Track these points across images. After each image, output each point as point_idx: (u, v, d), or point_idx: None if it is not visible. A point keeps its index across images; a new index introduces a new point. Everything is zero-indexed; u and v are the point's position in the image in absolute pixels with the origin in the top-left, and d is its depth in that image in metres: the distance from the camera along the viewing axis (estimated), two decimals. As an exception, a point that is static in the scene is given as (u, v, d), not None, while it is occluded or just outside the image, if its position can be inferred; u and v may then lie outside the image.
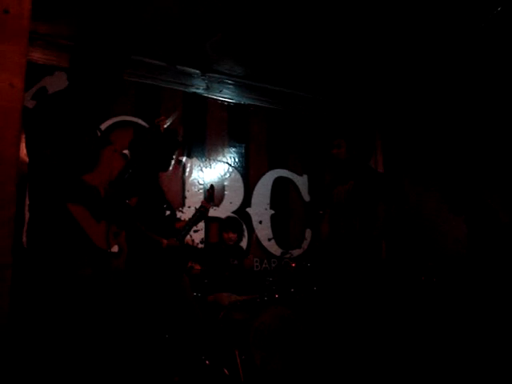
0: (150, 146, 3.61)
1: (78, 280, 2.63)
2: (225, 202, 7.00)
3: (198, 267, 5.58)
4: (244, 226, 6.83)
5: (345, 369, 4.31)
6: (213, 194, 5.17)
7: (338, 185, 4.90)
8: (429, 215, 7.15)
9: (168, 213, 4.84)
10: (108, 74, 2.87)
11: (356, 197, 4.70)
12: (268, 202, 7.39)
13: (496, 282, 5.41)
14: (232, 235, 5.93)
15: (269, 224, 7.32)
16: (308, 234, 7.50)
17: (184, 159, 6.75)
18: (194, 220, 5.06)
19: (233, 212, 7.00)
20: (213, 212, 6.81)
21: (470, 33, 5.52)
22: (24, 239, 4.97)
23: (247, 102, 7.38)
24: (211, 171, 6.98)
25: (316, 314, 4.61)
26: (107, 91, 2.92)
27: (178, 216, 6.27)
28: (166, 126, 4.48)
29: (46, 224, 2.64)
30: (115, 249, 5.72)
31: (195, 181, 6.80)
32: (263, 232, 7.26)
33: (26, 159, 2.39)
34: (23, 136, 2.72)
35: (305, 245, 7.44)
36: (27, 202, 3.10)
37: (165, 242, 4.45)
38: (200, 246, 6.60)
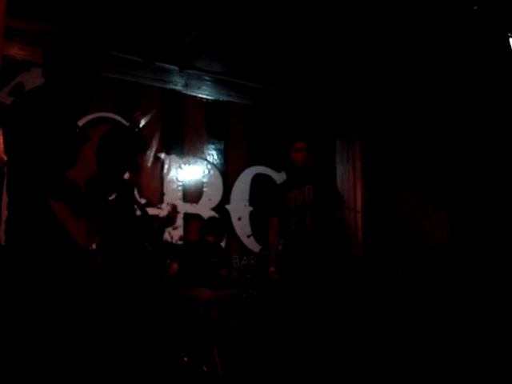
0: (120, 144, 3.58)
1: (56, 277, 2.60)
2: (204, 199, 6.98)
3: (175, 266, 5.56)
4: (225, 227, 6.84)
5: (323, 363, 4.34)
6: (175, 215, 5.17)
7: (292, 189, 4.92)
8: (411, 213, 7.20)
9: (139, 213, 4.82)
10: (82, 69, 2.84)
11: (317, 200, 4.77)
12: (247, 198, 7.39)
13: (478, 279, 5.47)
14: (211, 238, 5.95)
15: (248, 221, 7.32)
16: (287, 230, 7.51)
17: (162, 156, 6.73)
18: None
19: (212, 209, 6.99)
20: (192, 209, 6.81)
21: (444, 31, 5.57)
22: (1, 237, 4.98)
23: (226, 98, 7.37)
24: (190, 168, 6.96)
25: (294, 310, 4.62)
26: (82, 87, 2.89)
27: (157, 213, 6.25)
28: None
29: (25, 221, 2.61)
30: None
31: (173, 178, 6.78)
32: (242, 229, 7.26)
33: (4, 157, 2.36)
34: (1, 132, 2.68)
35: (284, 241, 7.45)
36: (5, 200, 3.08)
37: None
38: (179, 243, 6.59)
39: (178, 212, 5.13)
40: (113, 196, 4.23)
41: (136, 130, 3.51)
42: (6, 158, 2.13)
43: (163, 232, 5.27)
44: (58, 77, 2.82)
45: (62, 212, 2.62)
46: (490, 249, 5.72)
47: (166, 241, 6.43)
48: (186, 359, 4.44)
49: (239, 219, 7.26)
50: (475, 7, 5.21)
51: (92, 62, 2.90)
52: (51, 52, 2.84)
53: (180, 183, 6.83)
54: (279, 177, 7.66)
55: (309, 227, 4.72)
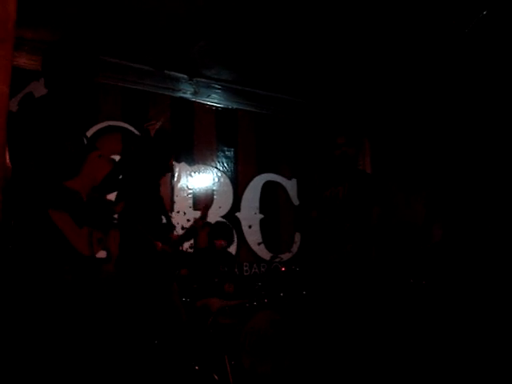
0: (141, 151, 3.58)
1: (60, 287, 2.60)
2: (214, 207, 6.97)
3: (184, 272, 5.55)
4: (234, 231, 6.84)
5: (335, 372, 4.31)
6: (206, 214, 5.14)
7: (330, 186, 4.79)
8: (416, 217, 7.17)
9: (164, 221, 4.82)
10: (78, 77, 2.85)
11: (351, 199, 4.62)
12: (257, 206, 7.38)
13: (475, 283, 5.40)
14: (222, 242, 5.92)
15: (258, 228, 7.31)
16: (297, 237, 7.50)
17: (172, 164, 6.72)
18: (185, 237, 5.07)
19: (222, 216, 6.99)
20: (202, 217, 6.81)
21: (455, 38, 5.55)
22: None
23: (235, 106, 7.38)
24: (200, 176, 6.96)
25: (306, 317, 4.60)
26: (81, 94, 2.90)
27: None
28: (156, 129, 4.45)
29: (27, 230, 2.62)
30: (103, 254, 5.70)
31: (184, 186, 6.78)
32: (253, 236, 7.25)
33: (10, 165, 2.37)
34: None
35: (294, 249, 7.44)
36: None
37: (159, 244, 4.42)
38: (189, 251, 6.58)
39: (201, 222, 5.12)
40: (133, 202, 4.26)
41: (149, 138, 3.51)
42: (11, 166, 2.13)
43: (182, 243, 5.29)
44: (58, 86, 2.83)
45: (63, 221, 2.61)
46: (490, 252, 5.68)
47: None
48: (197, 368, 4.42)
49: (250, 227, 7.24)
50: (484, 12, 5.18)
51: (88, 69, 2.91)
52: (50, 62, 2.86)
53: (190, 191, 6.83)
54: (289, 184, 7.66)
55: (336, 230, 4.58)
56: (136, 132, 6.24)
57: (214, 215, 6.92)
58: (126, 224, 4.38)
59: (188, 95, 6.95)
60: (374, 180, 5.02)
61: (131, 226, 4.33)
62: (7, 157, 2.15)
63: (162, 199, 4.77)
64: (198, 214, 6.72)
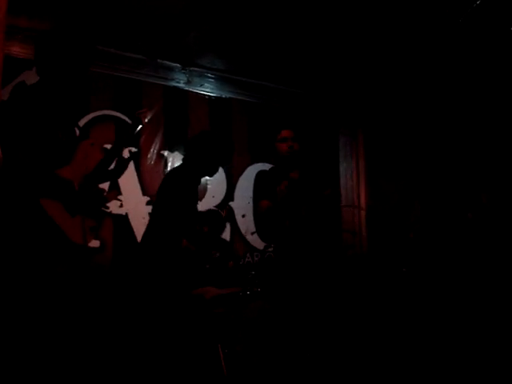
0: (132, 140, 3.58)
1: (52, 277, 2.60)
2: (207, 197, 6.98)
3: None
4: (222, 218, 6.86)
5: (326, 361, 4.33)
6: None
7: (282, 180, 4.82)
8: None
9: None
10: (73, 66, 2.84)
11: (302, 187, 4.68)
12: (251, 195, 7.37)
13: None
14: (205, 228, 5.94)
15: (252, 218, 7.31)
16: (291, 227, 7.50)
17: (166, 153, 6.72)
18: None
19: (215, 206, 6.99)
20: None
21: (448, 29, 5.55)
22: None
23: (228, 95, 7.36)
24: (193, 165, 6.93)
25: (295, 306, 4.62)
26: (74, 84, 2.90)
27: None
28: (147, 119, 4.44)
29: (19, 219, 2.61)
30: (96, 244, 5.70)
31: (177, 175, 6.76)
32: (246, 226, 7.26)
33: (1, 154, 2.36)
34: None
35: (287, 238, 7.44)
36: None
37: (184, 242, 4.42)
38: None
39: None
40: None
41: (141, 125, 3.53)
42: (2, 155, 2.13)
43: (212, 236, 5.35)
44: (50, 75, 2.83)
45: (55, 210, 2.61)
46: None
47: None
48: (190, 356, 4.43)
49: (243, 216, 7.25)
50: (477, 2, 5.18)
51: (83, 59, 2.91)
52: (42, 51, 2.85)
53: (184, 181, 6.81)
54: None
55: (292, 218, 4.63)
56: (129, 121, 6.22)
57: (208, 205, 6.92)
58: (160, 217, 4.40)
59: (181, 84, 6.92)
60: (325, 164, 5.10)
61: (166, 222, 4.34)
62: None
63: (197, 196, 4.80)
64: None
